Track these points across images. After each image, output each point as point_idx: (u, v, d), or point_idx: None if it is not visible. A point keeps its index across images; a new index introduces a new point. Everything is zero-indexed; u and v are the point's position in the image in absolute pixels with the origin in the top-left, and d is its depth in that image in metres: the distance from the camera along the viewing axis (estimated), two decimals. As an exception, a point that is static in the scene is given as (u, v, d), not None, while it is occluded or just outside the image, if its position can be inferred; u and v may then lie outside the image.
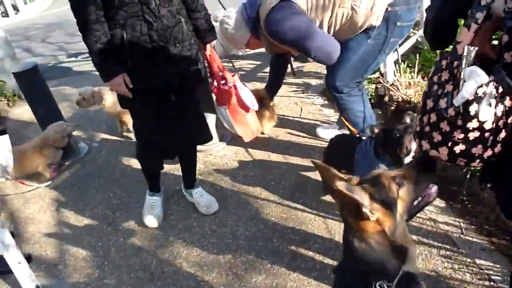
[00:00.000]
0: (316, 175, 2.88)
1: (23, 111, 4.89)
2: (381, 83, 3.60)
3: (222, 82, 2.87)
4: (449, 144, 1.22)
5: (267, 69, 4.63)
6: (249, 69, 4.87)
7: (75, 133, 3.79)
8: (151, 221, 2.71)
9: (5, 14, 13.39)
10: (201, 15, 2.34)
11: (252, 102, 2.95)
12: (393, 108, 3.32)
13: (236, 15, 2.72)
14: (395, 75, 3.53)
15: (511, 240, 2.15)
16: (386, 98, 3.42)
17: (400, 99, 3.30)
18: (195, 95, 2.49)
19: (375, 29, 2.40)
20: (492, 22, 1.16)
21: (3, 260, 2.41)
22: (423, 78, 3.45)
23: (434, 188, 1.30)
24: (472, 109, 1.12)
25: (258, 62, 5.04)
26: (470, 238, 2.22)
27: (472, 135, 1.17)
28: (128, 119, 3.66)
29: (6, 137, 2.84)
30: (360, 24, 2.38)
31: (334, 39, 2.46)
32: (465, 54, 1.13)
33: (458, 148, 1.21)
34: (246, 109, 2.96)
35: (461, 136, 1.18)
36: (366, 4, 2.31)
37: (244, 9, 2.66)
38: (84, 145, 3.90)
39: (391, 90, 3.40)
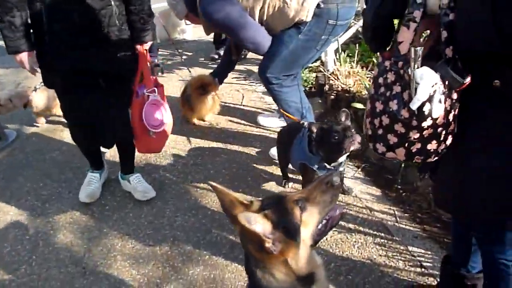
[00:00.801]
0: (256, 164, 2.86)
1: None
2: (322, 72, 3.63)
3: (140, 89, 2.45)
4: (406, 145, 1.23)
5: (210, 56, 4.57)
6: (191, 53, 4.76)
7: (1, 117, 3.54)
8: (83, 196, 2.65)
9: None
10: (135, 9, 2.18)
11: (157, 124, 2.49)
12: (333, 97, 3.36)
13: None
14: (335, 64, 3.57)
15: (442, 228, 2.25)
16: (326, 87, 3.46)
17: (340, 88, 3.34)
18: (126, 85, 2.36)
19: (306, 25, 2.39)
20: (429, 19, 1.16)
21: None
22: (362, 68, 3.51)
23: (338, 210, 1.20)
24: (426, 108, 1.13)
25: (201, 47, 4.93)
26: (404, 226, 2.30)
27: (426, 133, 1.18)
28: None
29: None
30: (291, 17, 2.38)
31: (265, 31, 2.48)
32: (412, 56, 1.13)
33: (414, 147, 1.22)
34: (145, 128, 2.45)
35: (417, 135, 1.19)
36: None
37: None
38: (12, 131, 3.65)
39: (331, 79, 3.44)
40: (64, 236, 2.48)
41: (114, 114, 2.37)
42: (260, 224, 1.05)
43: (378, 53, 1.42)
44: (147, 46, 2.31)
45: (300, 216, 1.10)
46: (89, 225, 2.53)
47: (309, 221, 1.12)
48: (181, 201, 2.63)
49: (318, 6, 2.34)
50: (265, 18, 2.43)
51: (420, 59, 1.13)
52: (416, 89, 1.12)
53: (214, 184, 1.20)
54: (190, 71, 3.71)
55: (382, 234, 2.25)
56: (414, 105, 1.14)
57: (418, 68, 1.13)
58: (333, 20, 2.39)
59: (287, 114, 2.68)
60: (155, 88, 2.47)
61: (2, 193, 2.90)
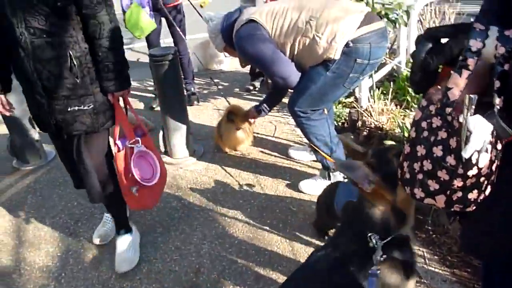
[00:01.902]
0: (285, 196, 2.87)
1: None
2: (355, 107, 3.64)
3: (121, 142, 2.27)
4: (448, 193, 1.21)
5: (245, 87, 4.66)
6: (227, 84, 4.87)
7: (42, 136, 3.69)
8: (95, 237, 2.61)
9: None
10: (99, 57, 1.96)
11: (149, 177, 2.33)
12: (365, 133, 3.36)
13: (217, 22, 2.76)
14: (369, 101, 3.58)
15: (473, 273, 2.18)
16: (359, 123, 3.46)
17: (372, 125, 3.34)
18: (96, 139, 2.16)
19: (334, 63, 2.43)
20: (483, 68, 1.16)
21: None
22: (396, 106, 3.51)
23: None
24: (474, 157, 1.13)
25: (237, 78, 5.04)
26: (433, 269, 2.24)
27: (469, 182, 1.17)
28: None
29: None
30: (319, 54, 2.42)
31: (294, 67, 2.54)
32: (466, 103, 1.12)
33: (455, 196, 1.21)
34: (134, 182, 2.27)
35: (461, 184, 1.18)
36: (326, 37, 2.37)
37: (224, 18, 2.73)
38: (51, 149, 3.79)
39: (364, 116, 3.44)
40: (93, 256, 2.53)
41: (90, 169, 2.19)
42: (361, 169, 1.39)
43: (416, 94, 1.44)
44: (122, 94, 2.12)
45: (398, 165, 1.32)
46: (118, 246, 2.58)
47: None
48: (209, 229, 2.65)
49: (347, 44, 2.38)
50: (295, 54, 2.50)
51: (473, 107, 1.12)
52: (467, 137, 1.11)
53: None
54: (228, 102, 3.78)
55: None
56: (467, 154, 1.11)
57: (471, 116, 1.12)
58: (361, 59, 2.42)
59: (316, 147, 2.69)
60: (139, 139, 2.26)
61: (38, 209, 3.01)
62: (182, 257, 2.45)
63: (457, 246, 2.34)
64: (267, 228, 2.61)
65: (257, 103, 3.20)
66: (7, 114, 2.18)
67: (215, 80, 4.96)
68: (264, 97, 3.26)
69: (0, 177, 3.46)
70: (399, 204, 1.40)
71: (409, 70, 1.44)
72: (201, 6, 4.02)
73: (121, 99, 2.18)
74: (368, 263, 1.41)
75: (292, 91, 2.69)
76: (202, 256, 2.44)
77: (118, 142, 2.23)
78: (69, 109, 1.99)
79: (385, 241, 1.41)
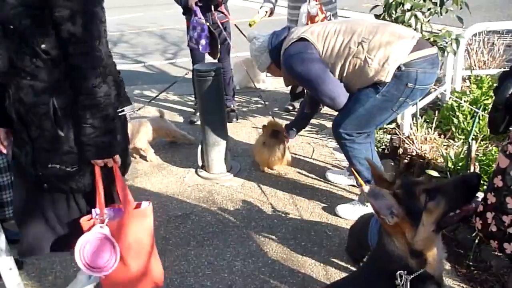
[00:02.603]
0: (321, 219, 2.82)
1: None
2: (397, 134, 3.57)
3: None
4: None
5: (284, 106, 4.66)
6: (267, 103, 4.88)
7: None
8: None
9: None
10: (79, 113, 1.63)
11: (97, 267, 1.81)
12: (406, 161, 3.28)
13: (263, 40, 2.77)
14: (411, 129, 3.51)
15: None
16: (400, 151, 3.39)
17: (414, 153, 3.26)
18: (68, 202, 1.88)
19: (385, 86, 2.40)
20: None
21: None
22: (439, 135, 3.42)
23: (474, 204, 1.32)
24: None
25: (277, 98, 5.05)
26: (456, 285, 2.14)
27: None
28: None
29: None
30: (370, 76, 2.40)
31: (343, 87, 2.52)
32: None
33: None
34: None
35: None
36: (378, 59, 2.34)
37: (272, 37, 2.74)
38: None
39: (406, 143, 3.37)
40: (127, 264, 2.55)
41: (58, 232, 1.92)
42: (386, 199, 1.31)
43: (494, 134, 1.36)
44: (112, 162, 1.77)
45: (425, 203, 1.28)
46: (152, 257, 2.59)
47: (434, 209, 1.29)
48: (242, 246, 2.63)
49: (399, 68, 2.36)
50: (344, 75, 2.48)
51: None
52: None
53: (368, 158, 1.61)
54: (273, 117, 3.79)
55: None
56: None
57: None
58: (412, 83, 2.39)
59: (357, 172, 2.65)
60: (106, 219, 1.83)
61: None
62: (215, 273, 2.43)
63: (500, 285, 2.24)
64: (301, 250, 2.57)
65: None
66: (3, 151, 1.90)
67: (254, 99, 4.99)
68: (293, 119, 3.34)
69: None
70: (417, 244, 1.33)
71: (455, 99, 1.38)
72: (250, 25, 4.07)
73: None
74: None
75: (335, 113, 2.67)
76: (235, 273, 2.42)
77: (94, 211, 1.87)
78: (49, 165, 1.73)
79: (411, 277, 1.34)
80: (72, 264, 2.56)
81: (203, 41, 3.99)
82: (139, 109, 4.15)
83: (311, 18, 3.55)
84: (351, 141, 2.59)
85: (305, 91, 3.73)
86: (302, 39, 2.51)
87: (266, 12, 4.12)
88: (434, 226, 1.30)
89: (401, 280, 1.33)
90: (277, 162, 3.36)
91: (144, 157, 3.77)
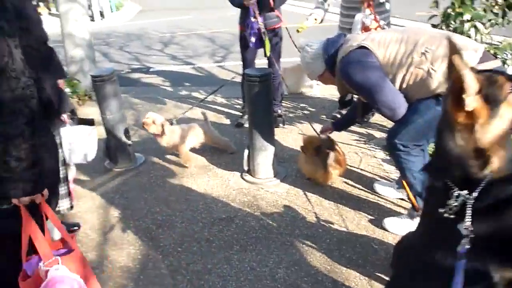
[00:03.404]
0: (367, 231, 2.76)
1: (90, 112, 5.10)
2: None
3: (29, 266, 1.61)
4: None
5: (332, 114, 4.60)
6: (314, 109, 4.84)
7: (133, 141, 3.89)
8: None
9: (91, 19, 14.25)
10: None
11: None
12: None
13: (317, 47, 2.72)
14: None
15: None
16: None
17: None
18: None
19: None
20: None
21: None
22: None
23: None
24: None
25: (325, 105, 5.00)
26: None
27: None
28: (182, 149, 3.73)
29: (95, 129, 3.02)
30: (433, 88, 2.32)
31: (403, 97, 2.44)
32: None
33: None
34: None
35: None
36: (442, 71, 2.26)
37: (326, 44, 2.69)
38: (141, 155, 3.98)
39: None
40: (170, 263, 2.58)
41: None
42: (468, 77, 1.16)
43: None
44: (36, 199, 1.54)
45: (507, 94, 1.17)
46: (195, 258, 2.61)
47: None
48: (286, 254, 2.60)
49: None
50: (405, 85, 2.41)
51: None
52: None
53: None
54: (312, 126, 3.74)
55: None
56: None
57: None
58: None
59: (410, 186, 2.57)
60: (58, 258, 1.57)
61: (123, 210, 3.15)
62: (257, 279, 2.42)
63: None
64: (346, 262, 2.51)
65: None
66: None
67: (301, 105, 4.96)
68: (338, 118, 3.28)
69: (94, 175, 3.67)
70: (487, 141, 1.19)
71: None
72: (298, 31, 4.05)
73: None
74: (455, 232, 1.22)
75: (385, 123, 2.60)
76: (277, 281, 2.40)
77: (26, 265, 1.61)
78: None
79: (474, 195, 1.19)
80: (119, 260, 2.62)
81: (252, 38, 4.02)
82: (187, 111, 4.21)
83: (365, 28, 3.50)
84: (406, 153, 2.51)
85: (354, 98, 3.65)
86: (361, 47, 2.46)
87: (316, 19, 4.09)
88: (510, 123, 1.19)
89: (456, 200, 1.22)
90: (323, 179, 3.28)
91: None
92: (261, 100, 3.26)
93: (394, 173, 3.37)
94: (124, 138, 3.75)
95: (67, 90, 5.36)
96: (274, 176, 3.45)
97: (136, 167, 3.81)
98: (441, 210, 1.23)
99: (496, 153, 1.20)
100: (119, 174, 3.70)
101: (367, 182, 3.30)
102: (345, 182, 3.33)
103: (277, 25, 4.17)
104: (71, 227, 2.89)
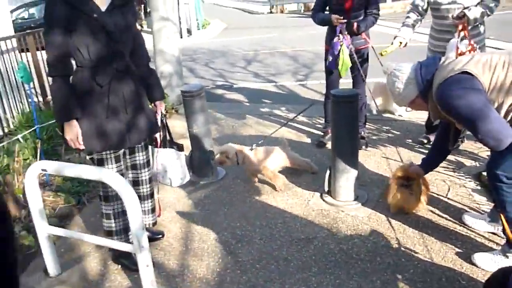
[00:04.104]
0: (454, 266, 2.59)
1: (176, 124, 5.34)
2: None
3: None
4: None
5: (418, 139, 4.42)
6: (399, 133, 4.69)
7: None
8: None
9: (180, 36, 14.99)
10: None
11: None
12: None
13: (410, 71, 2.57)
14: None
15: None
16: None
17: None
18: None
19: None
20: None
21: (132, 258, 2.59)
22: None
23: None
24: None
25: (410, 128, 4.83)
26: None
27: None
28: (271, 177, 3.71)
29: (183, 153, 3.27)
30: None
31: (509, 126, 2.24)
32: None
33: None
34: None
35: None
36: None
37: (419, 68, 2.54)
38: (223, 169, 4.08)
39: None
40: (249, 279, 2.60)
41: None
42: None
43: None
44: None
45: None
46: (272, 276, 2.61)
47: None
48: (366, 282, 2.51)
49: None
50: (511, 115, 2.24)
51: None
52: None
53: None
54: (400, 157, 3.62)
55: None
56: None
57: None
58: None
59: (506, 221, 2.39)
60: None
61: (204, 223, 3.24)
62: (334, 304, 2.37)
63: None
64: (430, 296, 2.38)
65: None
66: (81, 148, 2.47)
67: (385, 127, 4.83)
68: (427, 155, 3.09)
69: (177, 187, 3.82)
70: None
71: None
72: (381, 55, 3.97)
73: None
74: None
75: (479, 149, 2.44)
76: (355, 308, 2.33)
77: None
78: None
79: None
80: (199, 270, 2.70)
81: (330, 57, 4.01)
82: (272, 133, 4.23)
83: (460, 54, 3.32)
84: (509, 186, 2.32)
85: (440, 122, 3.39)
86: (464, 73, 2.29)
87: (401, 43, 3.97)
88: None
89: None
90: (413, 209, 3.16)
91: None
92: (346, 121, 3.22)
93: (486, 205, 3.16)
94: (208, 152, 3.88)
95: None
96: (355, 200, 3.37)
97: (217, 181, 3.91)
98: None
99: None
100: (201, 186, 3.82)
101: (455, 213, 3.11)
102: (431, 211, 3.17)
103: (364, 46, 4.12)
104: (156, 235, 3.02)
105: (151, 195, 2.89)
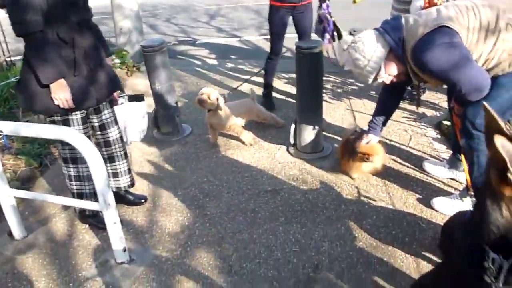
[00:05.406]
0: (414, 210, 2.71)
1: (138, 82, 5.22)
2: None
3: None
4: None
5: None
6: (363, 85, 4.72)
7: (181, 112, 3.95)
8: None
9: (139, -9, 14.38)
10: None
11: None
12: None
13: (373, 39, 2.36)
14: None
15: None
16: None
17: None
18: None
19: None
20: None
21: (100, 217, 2.58)
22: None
23: None
24: None
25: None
26: None
27: None
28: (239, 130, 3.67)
29: (143, 103, 3.12)
30: None
31: (488, 74, 2.22)
32: None
33: None
34: None
35: None
36: None
37: (385, 32, 2.36)
38: (188, 126, 4.04)
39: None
40: (218, 231, 2.64)
41: None
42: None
43: None
44: None
45: None
46: (240, 227, 2.66)
47: None
48: (331, 228, 2.60)
49: None
50: (490, 65, 2.21)
51: None
52: None
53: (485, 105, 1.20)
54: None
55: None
56: None
57: None
58: None
59: (465, 166, 2.47)
60: None
61: (172, 179, 3.23)
62: (302, 251, 2.44)
63: None
64: (392, 239, 2.49)
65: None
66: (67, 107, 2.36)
67: (350, 80, 4.86)
68: (375, 110, 2.86)
69: (142, 144, 3.77)
70: None
71: None
72: (354, 2, 3.90)
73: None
74: None
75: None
76: (322, 254, 2.41)
77: None
78: None
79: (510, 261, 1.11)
80: (168, 226, 2.71)
81: (327, 35, 4.01)
82: (237, 87, 4.21)
83: (430, 1, 3.26)
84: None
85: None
86: (440, 27, 2.17)
87: None
88: None
89: (492, 264, 1.14)
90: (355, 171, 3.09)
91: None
92: (311, 73, 3.22)
93: (445, 153, 3.28)
94: (172, 109, 3.82)
95: (117, 61, 5.49)
96: (321, 151, 3.43)
97: (183, 137, 3.88)
98: (485, 277, 1.17)
99: None
100: (167, 144, 3.78)
101: (416, 161, 3.22)
102: (394, 160, 3.27)
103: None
104: (139, 199, 2.97)
105: (125, 155, 2.83)
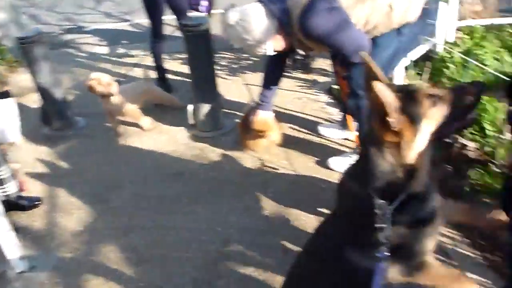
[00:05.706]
0: (314, 173, 2.84)
1: (23, 79, 4.81)
2: (389, 87, 3.54)
3: None
4: None
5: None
6: (257, 59, 4.77)
7: (73, 105, 3.73)
8: None
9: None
10: None
11: None
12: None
13: (256, 12, 2.38)
14: (403, 81, 3.48)
15: (504, 258, 2.12)
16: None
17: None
18: None
19: (407, 26, 2.33)
20: None
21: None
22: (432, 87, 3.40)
23: (469, 115, 1.27)
24: None
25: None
26: (463, 251, 2.19)
27: None
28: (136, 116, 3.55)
29: (10, 100, 2.87)
30: (395, 22, 2.30)
31: (366, 35, 2.36)
32: None
33: None
34: None
35: None
36: (403, 3, 2.26)
37: (269, 3, 2.39)
38: (81, 119, 3.83)
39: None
40: (122, 223, 2.58)
41: None
42: (390, 100, 1.17)
43: None
44: None
45: (427, 110, 1.19)
46: (146, 214, 2.62)
47: (434, 116, 1.20)
48: (238, 201, 2.65)
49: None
50: (367, 25, 2.31)
51: None
52: None
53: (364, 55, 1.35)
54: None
55: (441, 258, 2.15)
56: None
57: None
58: (429, 19, 2.42)
59: (350, 126, 2.62)
60: None
61: (69, 177, 3.08)
62: (210, 228, 2.46)
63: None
64: (295, 203, 2.59)
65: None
66: None
67: (244, 55, 4.90)
68: (263, 84, 2.86)
69: (33, 144, 3.51)
70: (412, 157, 1.21)
71: (447, 51, 1.35)
72: None
73: None
74: (374, 239, 1.25)
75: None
76: (231, 227, 2.45)
77: None
78: None
79: (393, 206, 1.23)
80: (69, 225, 2.58)
81: (205, 2, 3.91)
82: (130, 70, 4.05)
83: None
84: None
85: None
86: None
87: None
88: (432, 135, 1.23)
89: (379, 209, 1.24)
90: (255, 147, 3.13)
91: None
92: (201, 50, 3.18)
93: (337, 115, 3.46)
94: (61, 103, 3.59)
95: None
96: (221, 129, 3.44)
97: (78, 131, 3.67)
98: (376, 224, 1.25)
99: (421, 167, 1.25)
100: (60, 140, 3.55)
101: (312, 126, 3.35)
102: (291, 128, 3.38)
103: None
104: (34, 202, 2.76)
105: (4, 160, 2.61)
